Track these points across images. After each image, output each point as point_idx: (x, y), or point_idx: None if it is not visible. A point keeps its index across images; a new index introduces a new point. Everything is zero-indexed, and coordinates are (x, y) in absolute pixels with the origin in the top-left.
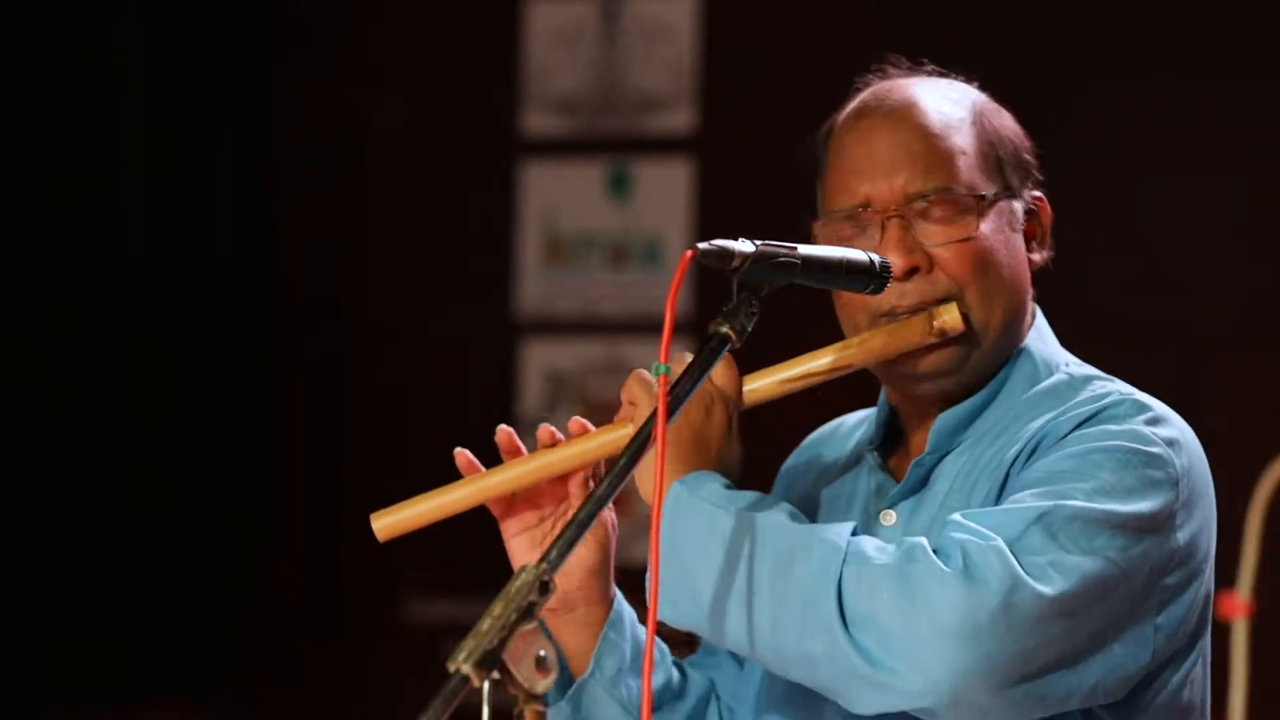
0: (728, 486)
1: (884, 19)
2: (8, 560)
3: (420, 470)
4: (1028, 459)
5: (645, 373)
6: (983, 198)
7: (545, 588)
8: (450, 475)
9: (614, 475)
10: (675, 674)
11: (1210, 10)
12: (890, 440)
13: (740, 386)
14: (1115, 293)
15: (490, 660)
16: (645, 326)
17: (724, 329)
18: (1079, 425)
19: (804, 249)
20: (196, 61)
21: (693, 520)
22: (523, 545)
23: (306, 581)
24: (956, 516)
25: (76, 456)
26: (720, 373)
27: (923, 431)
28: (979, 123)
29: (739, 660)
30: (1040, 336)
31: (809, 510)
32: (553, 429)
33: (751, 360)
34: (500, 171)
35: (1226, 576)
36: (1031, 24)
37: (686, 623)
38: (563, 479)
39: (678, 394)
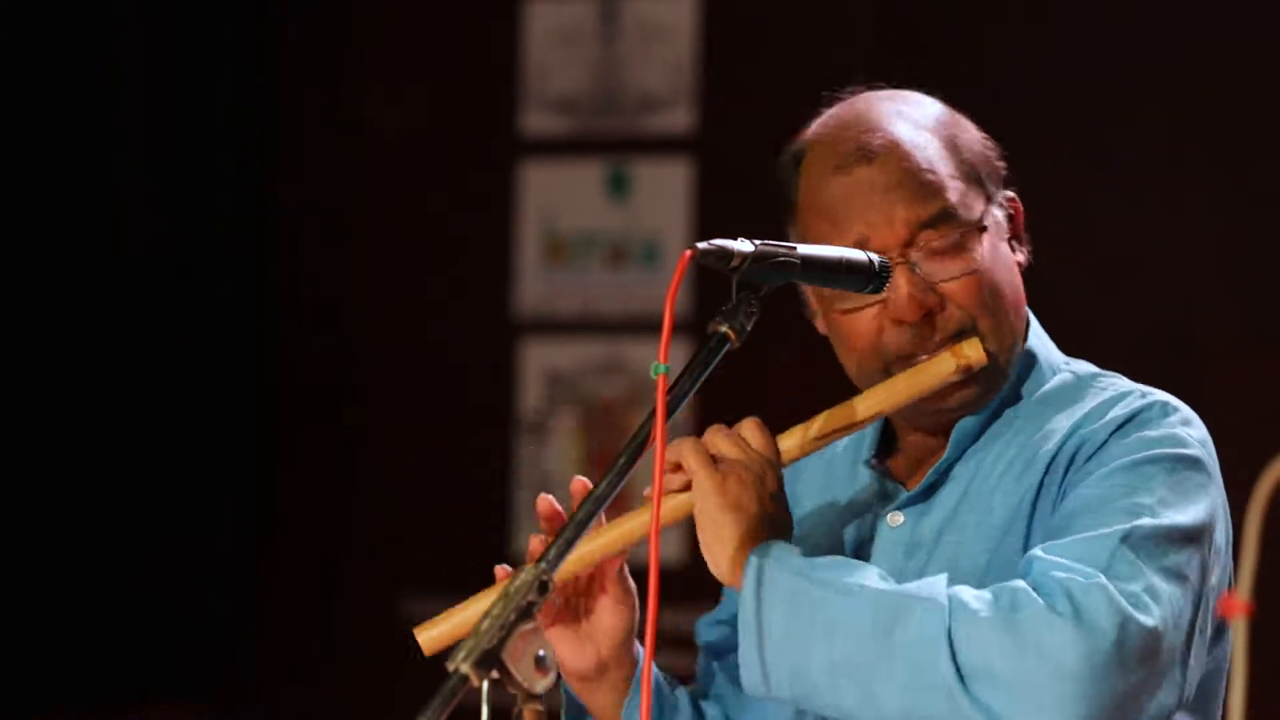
0: (803, 554)
1: (881, 19)
2: (8, 561)
3: (420, 470)
4: (1066, 468)
5: (695, 440)
6: (983, 228)
7: (544, 587)
8: (452, 493)
9: (613, 475)
10: (692, 714)
11: (1206, 14)
12: (885, 442)
13: (778, 450)
14: (1113, 296)
15: (489, 660)
16: (645, 326)
17: (723, 329)
18: (1115, 431)
19: (803, 248)
20: (196, 60)
21: (779, 593)
22: (559, 635)
23: (306, 581)
24: (1039, 552)
25: (76, 457)
26: (759, 439)
27: (925, 439)
28: (952, 144)
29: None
30: (1039, 336)
31: (803, 513)
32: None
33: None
34: (499, 171)
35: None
36: (1029, 25)
37: (789, 695)
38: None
39: (677, 394)
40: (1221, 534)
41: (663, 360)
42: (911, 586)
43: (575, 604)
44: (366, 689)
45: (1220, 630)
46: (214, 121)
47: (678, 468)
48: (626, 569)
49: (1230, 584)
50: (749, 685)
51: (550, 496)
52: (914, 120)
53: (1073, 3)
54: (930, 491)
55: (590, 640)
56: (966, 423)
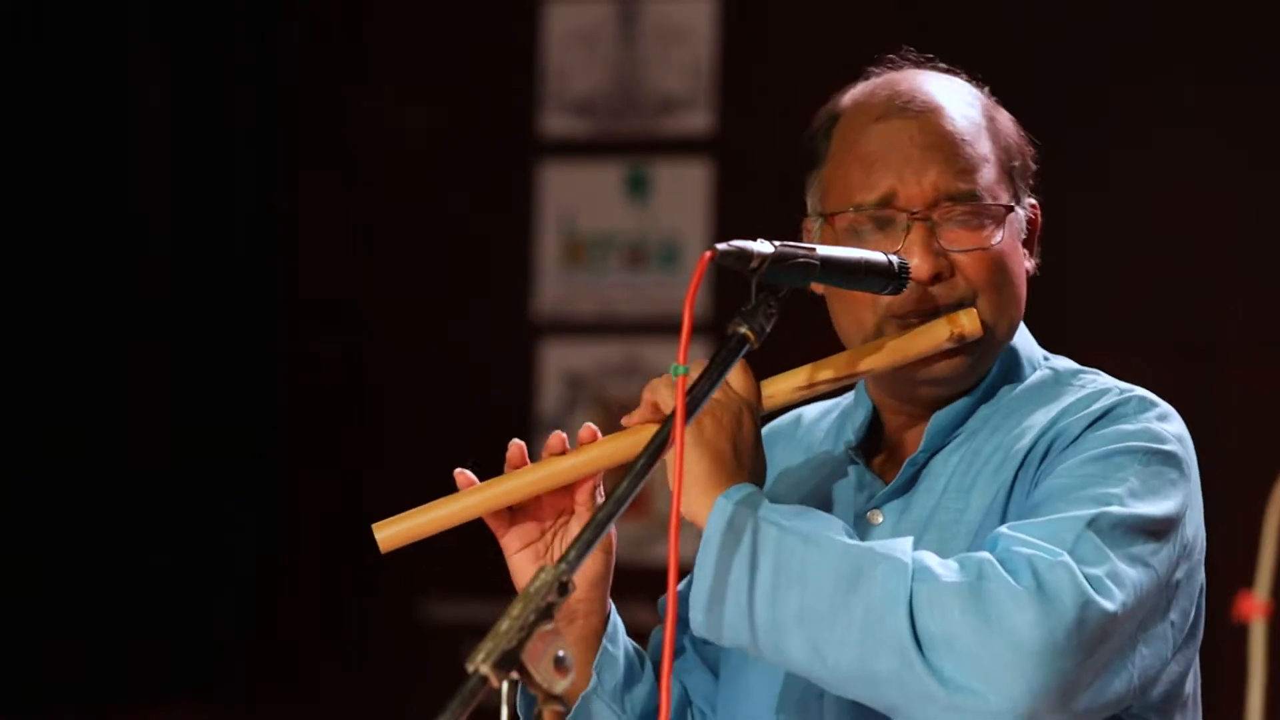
0: (772, 500)
1: (901, 20)
2: (10, 560)
3: (437, 470)
4: (1041, 461)
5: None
6: (1009, 208)
7: (564, 588)
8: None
9: (633, 475)
10: (653, 684)
11: (1222, 12)
12: (869, 438)
13: (760, 393)
14: (1130, 299)
15: (509, 660)
16: (663, 327)
17: (742, 330)
18: (1090, 425)
19: (822, 250)
20: (216, 62)
21: (743, 538)
22: (525, 560)
23: (323, 580)
24: (1005, 529)
25: (79, 454)
26: (741, 381)
27: (908, 430)
28: (994, 130)
29: (710, 665)
30: (1021, 332)
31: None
32: (563, 436)
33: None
34: (519, 173)
35: (1244, 577)
36: (1045, 27)
37: (738, 642)
38: (567, 489)
39: (696, 395)
40: (1193, 532)
41: (682, 361)
42: (878, 544)
43: (548, 539)
44: (384, 690)
45: (1192, 631)
46: (234, 123)
47: (656, 406)
48: (601, 496)
49: (1201, 588)
50: (698, 628)
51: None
52: (958, 93)
53: (1086, 7)
54: (908, 487)
55: None
56: (941, 417)
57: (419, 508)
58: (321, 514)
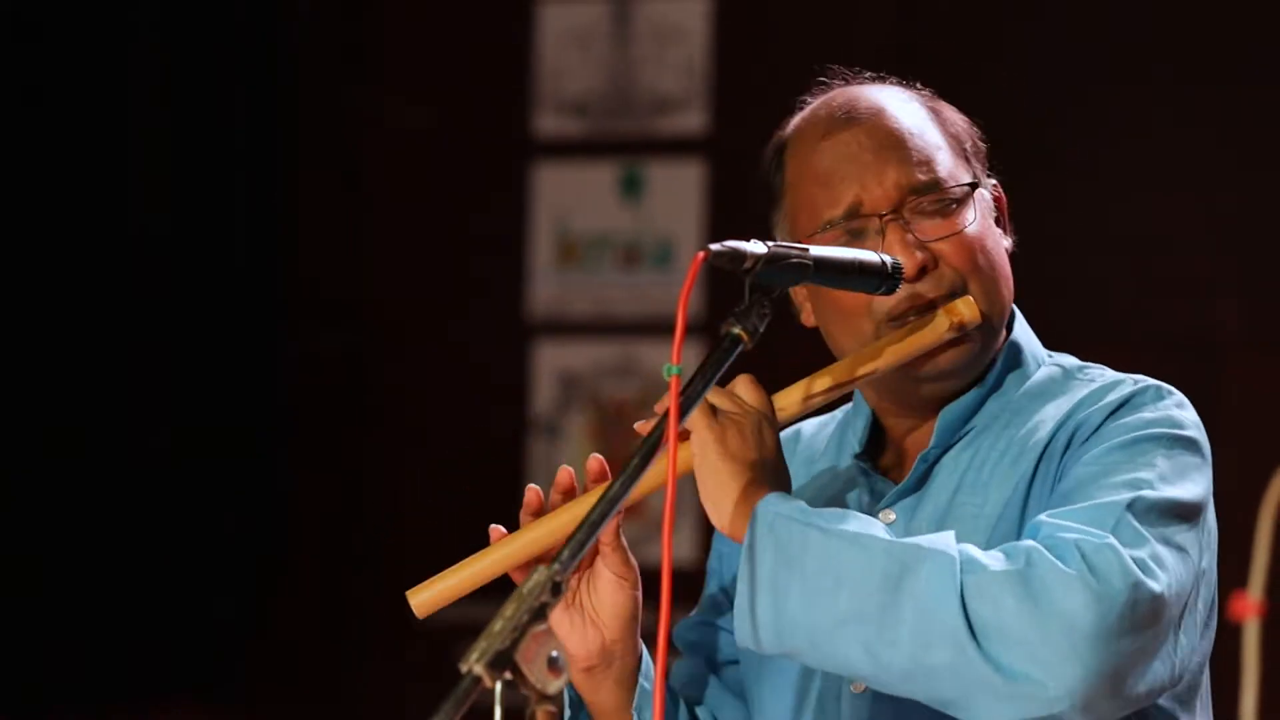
0: (807, 506)
1: (899, 20)
2: (10, 560)
3: (436, 470)
4: (1062, 453)
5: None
6: (972, 185)
7: (557, 589)
8: (465, 494)
9: (627, 475)
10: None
11: (1221, 12)
12: (872, 444)
13: (772, 407)
14: (1127, 296)
15: (502, 661)
16: (657, 327)
17: (736, 330)
18: (1111, 414)
19: (816, 250)
20: (215, 62)
21: (785, 543)
22: (562, 618)
23: (322, 580)
24: (1045, 517)
25: (79, 454)
26: (753, 395)
27: (913, 431)
28: (939, 119)
29: (738, 694)
30: (1024, 328)
31: None
32: (571, 471)
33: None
34: (512, 173)
35: (1239, 577)
36: (1045, 28)
37: (785, 648)
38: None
39: (690, 395)
40: (1212, 520)
41: (675, 361)
42: (921, 539)
43: (574, 583)
44: (378, 690)
45: (1209, 621)
46: (234, 123)
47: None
48: (624, 540)
49: (1215, 579)
50: (747, 640)
51: (571, 471)
52: (896, 94)
53: (1086, 7)
54: (919, 485)
55: (594, 624)
56: (950, 411)
57: (450, 569)
58: (321, 514)
